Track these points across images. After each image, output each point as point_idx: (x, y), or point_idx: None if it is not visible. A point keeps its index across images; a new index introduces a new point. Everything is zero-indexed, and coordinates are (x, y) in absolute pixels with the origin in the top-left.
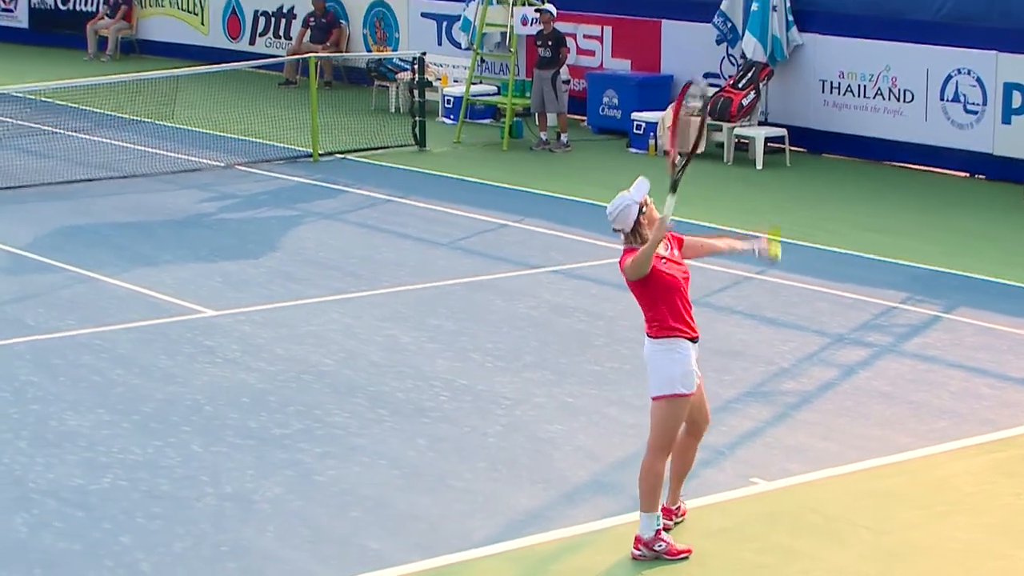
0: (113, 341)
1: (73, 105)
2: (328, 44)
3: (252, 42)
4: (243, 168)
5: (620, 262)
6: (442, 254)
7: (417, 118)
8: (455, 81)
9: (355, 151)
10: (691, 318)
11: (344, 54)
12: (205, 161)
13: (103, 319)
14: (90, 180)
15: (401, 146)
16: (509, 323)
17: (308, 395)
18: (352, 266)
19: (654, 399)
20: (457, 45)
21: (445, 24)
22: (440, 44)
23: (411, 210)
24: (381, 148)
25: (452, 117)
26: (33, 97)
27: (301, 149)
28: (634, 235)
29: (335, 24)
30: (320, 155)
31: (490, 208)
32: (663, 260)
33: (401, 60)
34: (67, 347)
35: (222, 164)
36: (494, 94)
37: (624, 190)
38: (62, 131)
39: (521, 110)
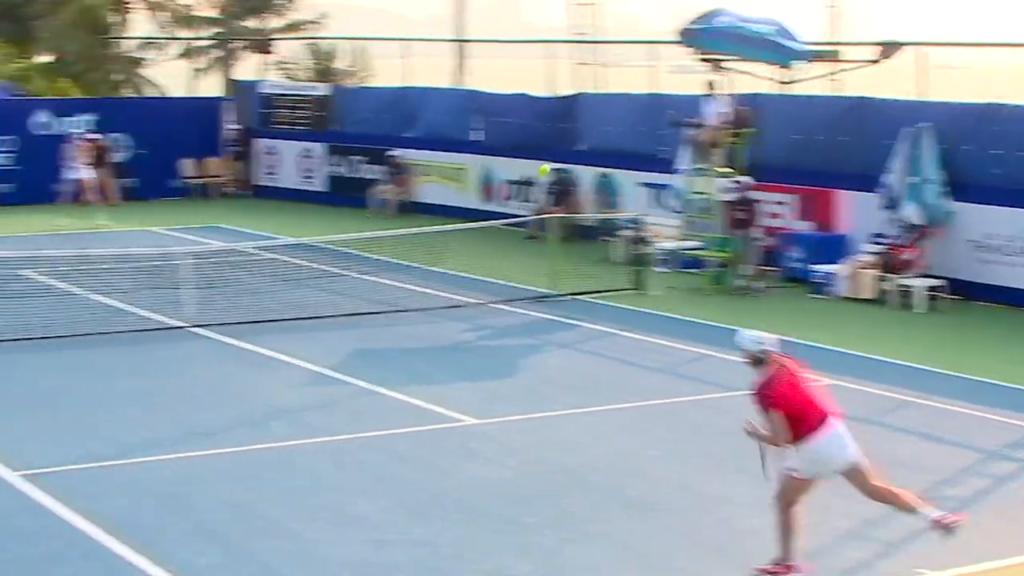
0: (393, 442)
1: (360, 253)
2: (564, 206)
3: (503, 204)
4: (496, 305)
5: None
6: (658, 378)
7: (636, 267)
8: (667, 237)
9: (586, 293)
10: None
11: (577, 214)
12: (467, 299)
13: (385, 425)
14: (373, 313)
15: (623, 290)
16: (716, 435)
17: (553, 490)
18: (587, 385)
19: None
20: (669, 208)
21: (657, 191)
22: (655, 207)
23: (632, 342)
24: (607, 291)
25: (665, 266)
26: (328, 246)
27: (543, 290)
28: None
29: (570, 191)
30: (559, 296)
31: (697, 340)
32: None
33: (623, 220)
34: (356, 447)
35: (481, 302)
36: (700, 248)
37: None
38: (351, 273)
39: (721, 261)
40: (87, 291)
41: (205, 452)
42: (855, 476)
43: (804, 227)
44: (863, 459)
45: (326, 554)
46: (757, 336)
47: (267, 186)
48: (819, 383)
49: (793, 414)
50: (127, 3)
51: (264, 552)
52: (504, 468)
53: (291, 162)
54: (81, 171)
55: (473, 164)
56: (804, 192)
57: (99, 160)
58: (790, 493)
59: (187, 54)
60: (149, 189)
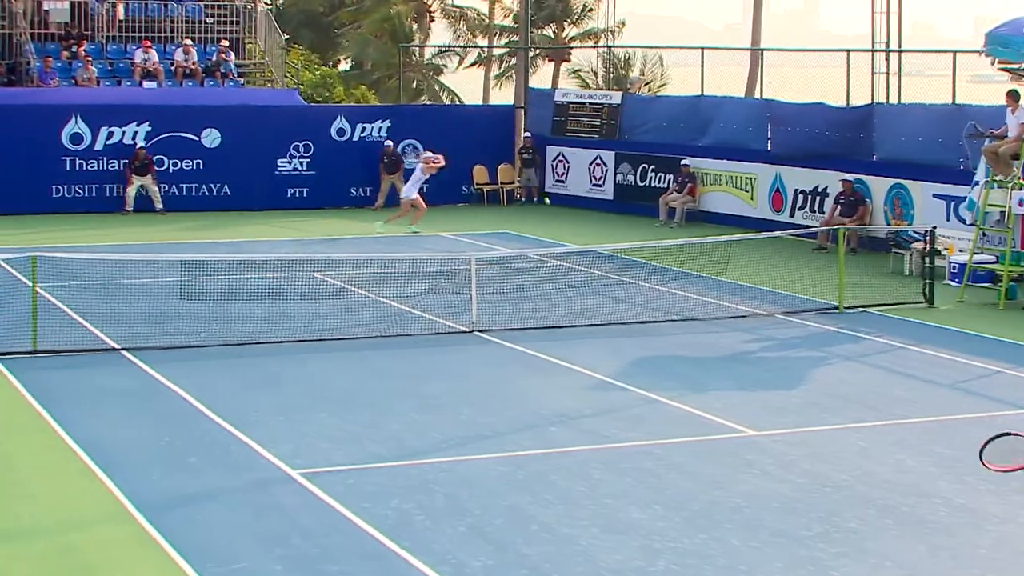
0: (669, 451)
1: (646, 261)
2: (855, 217)
3: (792, 215)
4: (781, 316)
5: None
6: (945, 394)
7: (927, 280)
8: (960, 251)
9: (874, 306)
10: None
11: (868, 226)
12: (751, 310)
13: (663, 433)
14: (657, 321)
15: (912, 303)
16: None
17: (828, 504)
18: (869, 400)
19: None
20: (963, 221)
21: (953, 203)
22: (948, 220)
23: (920, 356)
24: (896, 304)
25: (957, 280)
26: (615, 254)
27: (829, 302)
28: None
29: (861, 202)
30: (845, 308)
31: (987, 356)
32: None
33: (915, 232)
34: (633, 454)
35: (764, 313)
36: (993, 262)
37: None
38: (636, 282)
39: (1016, 276)
40: (377, 295)
41: (484, 456)
42: None
43: None
44: None
45: (596, 560)
46: None
47: (557, 193)
48: None
49: None
50: (428, 11)
51: (536, 556)
52: (781, 481)
53: (581, 170)
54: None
55: (763, 173)
56: None
57: (391, 167)
58: None
59: (483, 62)
60: (441, 195)
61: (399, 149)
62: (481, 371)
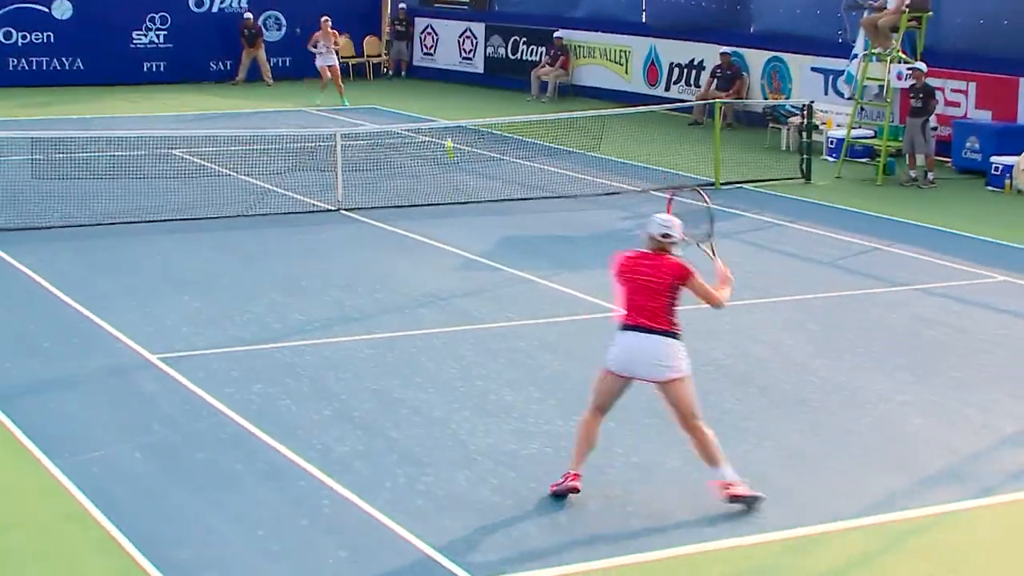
0: (543, 331)
1: (517, 136)
2: (731, 91)
3: (667, 88)
4: (656, 193)
5: (680, 269)
6: (822, 271)
7: (804, 155)
8: (838, 125)
9: (750, 182)
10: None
11: (744, 100)
12: (624, 186)
13: (535, 313)
14: (527, 199)
15: (789, 179)
16: (880, 332)
17: (706, 383)
18: (747, 278)
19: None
20: (841, 95)
21: (831, 77)
22: (826, 94)
23: (796, 233)
24: (772, 180)
25: (834, 155)
26: (485, 129)
27: (705, 178)
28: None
29: (738, 75)
30: (721, 184)
31: (865, 233)
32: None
33: (792, 106)
34: (505, 335)
35: (638, 189)
36: (871, 137)
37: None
38: (507, 158)
39: (894, 151)
40: (238, 173)
41: (352, 338)
42: (667, 395)
43: (983, 116)
44: (681, 387)
45: (468, 443)
46: (665, 220)
47: (425, 67)
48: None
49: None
50: None
51: (405, 440)
52: None
53: (450, 42)
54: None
55: (638, 46)
56: (985, 79)
57: (252, 40)
58: (595, 389)
59: None
60: (304, 68)
61: (260, 21)
62: (347, 251)
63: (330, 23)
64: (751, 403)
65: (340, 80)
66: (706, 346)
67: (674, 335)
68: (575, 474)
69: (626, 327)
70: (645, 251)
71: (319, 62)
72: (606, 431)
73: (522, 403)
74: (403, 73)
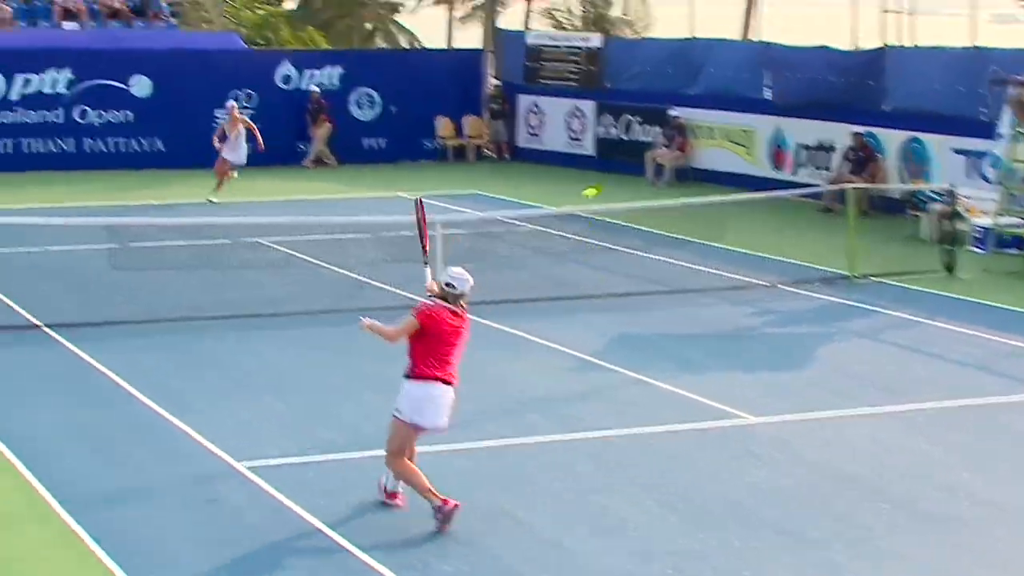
0: (662, 440)
1: (632, 225)
2: (865, 176)
3: (795, 172)
4: (784, 287)
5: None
6: (968, 374)
7: (947, 246)
8: (984, 213)
9: (888, 275)
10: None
11: (880, 185)
12: (750, 280)
13: (654, 420)
14: (644, 294)
15: (931, 272)
16: None
17: (839, 499)
18: (883, 381)
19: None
20: (986, 179)
21: (975, 159)
22: (970, 178)
23: (939, 332)
24: (912, 273)
25: (981, 246)
26: (597, 218)
27: (838, 271)
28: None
29: (872, 158)
30: (855, 277)
31: (1015, 332)
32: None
33: (933, 192)
34: (622, 444)
35: (766, 283)
36: (1021, 226)
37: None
38: (621, 248)
39: None
40: (330, 264)
41: (453, 446)
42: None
43: None
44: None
45: (583, 564)
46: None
47: (530, 148)
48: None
49: (427, 344)
50: None
51: (514, 560)
52: (786, 474)
53: (557, 122)
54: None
55: (762, 126)
56: None
57: (315, 117)
58: (395, 439)
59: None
60: (398, 151)
61: (353, 97)
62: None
63: (236, 108)
64: (889, 520)
65: (225, 175)
66: (838, 456)
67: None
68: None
69: (443, 381)
70: (453, 309)
71: (227, 155)
72: None
73: (642, 520)
74: (506, 156)
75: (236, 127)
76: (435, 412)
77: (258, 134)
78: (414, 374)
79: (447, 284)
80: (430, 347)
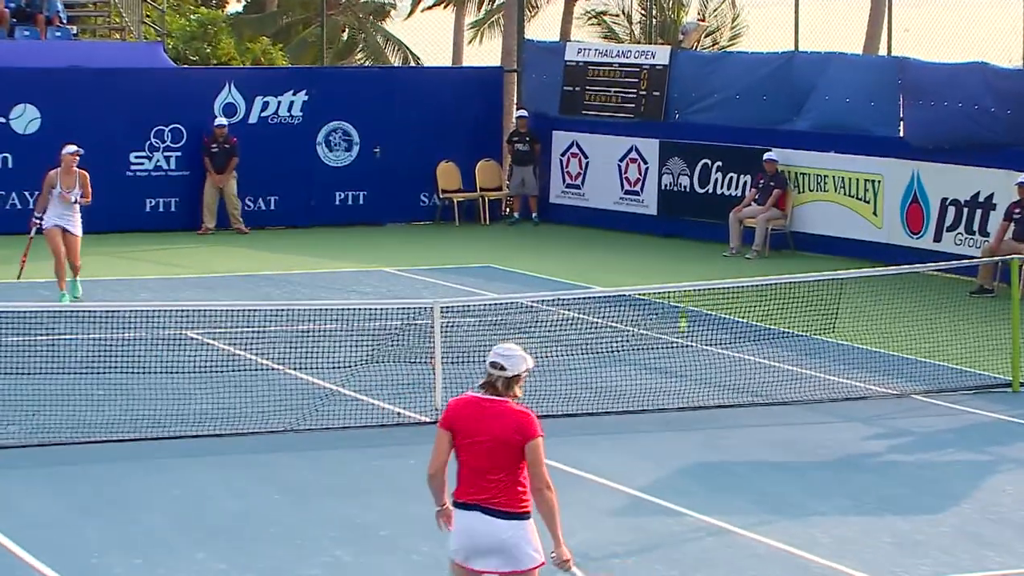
0: None
1: (708, 311)
2: None
3: (937, 238)
4: (921, 398)
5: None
6: None
7: None
8: None
9: None
10: None
11: None
12: (873, 387)
13: None
14: (724, 407)
15: None
16: None
17: None
18: None
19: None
20: None
21: None
22: None
23: None
24: None
25: None
26: (659, 300)
27: (997, 376)
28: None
29: None
30: (1022, 385)
31: None
32: None
33: None
34: None
35: (895, 392)
36: None
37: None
38: (693, 343)
39: None
40: (287, 365)
41: None
42: None
43: None
44: None
45: None
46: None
47: (567, 205)
48: None
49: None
50: None
51: None
52: None
53: (607, 168)
54: None
55: (893, 173)
56: None
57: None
58: None
59: (453, 0)
60: (384, 208)
61: (321, 137)
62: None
63: (78, 157)
64: None
65: (78, 257)
66: None
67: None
68: None
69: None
70: (489, 398)
71: (49, 222)
72: None
73: None
74: (534, 215)
75: (70, 177)
76: (472, 549)
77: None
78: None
79: (490, 364)
80: (458, 457)
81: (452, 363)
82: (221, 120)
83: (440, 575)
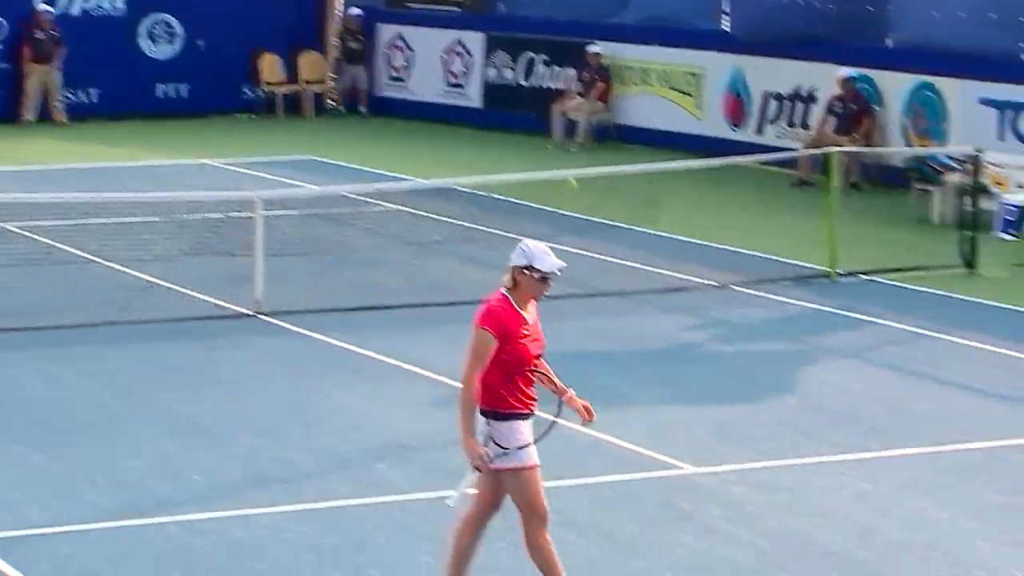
0: (568, 499)
1: (531, 204)
2: (856, 135)
3: (759, 131)
4: (741, 288)
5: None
6: (996, 408)
7: (967, 232)
8: (1018, 186)
9: (885, 271)
10: None
11: (876, 148)
12: (693, 279)
13: (557, 471)
14: (546, 298)
15: (944, 267)
16: None
17: None
18: (875, 418)
19: None
20: (1023, 140)
21: (1009, 114)
22: (1002, 139)
23: (955, 349)
24: (918, 269)
25: (1012, 231)
26: (482, 193)
27: (815, 267)
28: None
29: (866, 111)
30: (840, 275)
31: None
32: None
33: (950, 158)
34: (509, 505)
35: (715, 283)
36: None
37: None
38: (514, 235)
39: None
40: (106, 259)
41: (274, 508)
42: None
43: None
44: None
45: None
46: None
47: (392, 98)
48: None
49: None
50: None
51: None
52: (737, 543)
53: (432, 62)
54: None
55: (715, 66)
56: None
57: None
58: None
59: None
60: (206, 99)
61: (143, 27)
62: (268, 376)
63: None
64: None
65: None
66: (811, 521)
67: None
68: None
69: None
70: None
71: None
72: None
73: None
74: (360, 108)
75: None
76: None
77: None
78: (503, 409)
79: (525, 268)
80: (511, 369)
81: (274, 257)
82: (45, 7)
83: (260, 467)
